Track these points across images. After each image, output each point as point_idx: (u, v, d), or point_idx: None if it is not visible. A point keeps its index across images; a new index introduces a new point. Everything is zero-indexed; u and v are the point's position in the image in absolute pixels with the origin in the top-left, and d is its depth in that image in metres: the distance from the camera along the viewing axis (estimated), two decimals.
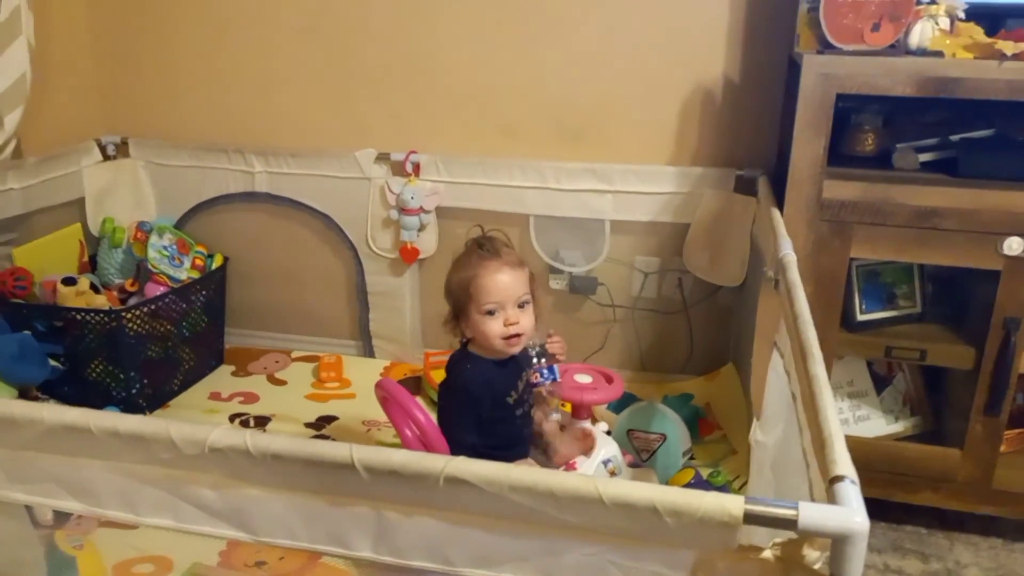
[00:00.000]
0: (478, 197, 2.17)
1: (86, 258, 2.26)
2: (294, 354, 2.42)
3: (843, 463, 0.76)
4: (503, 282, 1.42)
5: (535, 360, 1.54)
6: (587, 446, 1.59)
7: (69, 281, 1.99)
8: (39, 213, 2.13)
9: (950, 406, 1.82)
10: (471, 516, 0.78)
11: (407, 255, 2.24)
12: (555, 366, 1.56)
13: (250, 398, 2.19)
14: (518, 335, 1.44)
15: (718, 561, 0.75)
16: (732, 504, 0.71)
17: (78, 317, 1.93)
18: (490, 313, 1.42)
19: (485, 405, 1.44)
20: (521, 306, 1.44)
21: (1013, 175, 1.57)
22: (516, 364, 1.51)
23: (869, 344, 1.75)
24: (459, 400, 1.46)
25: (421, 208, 2.18)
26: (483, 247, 1.46)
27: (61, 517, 1.39)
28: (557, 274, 2.23)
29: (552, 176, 2.12)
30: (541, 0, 2.06)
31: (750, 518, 0.71)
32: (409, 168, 2.18)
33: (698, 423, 1.99)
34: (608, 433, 1.70)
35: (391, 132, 2.22)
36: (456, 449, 1.40)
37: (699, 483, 1.73)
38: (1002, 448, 1.70)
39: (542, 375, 1.54)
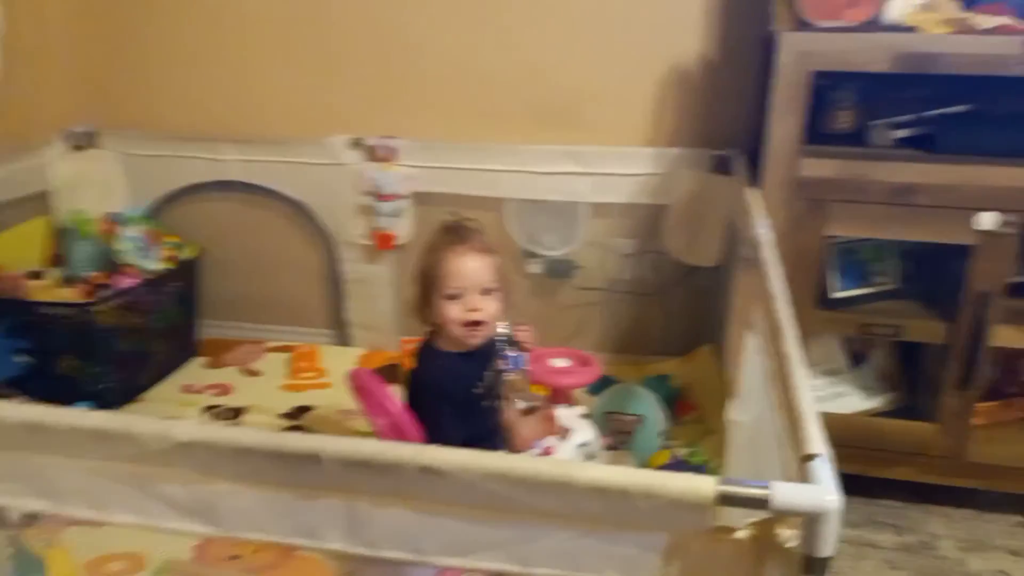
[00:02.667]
0: (454, 182, 2.15)
1: (55, 251, 2.21)
2: (269, 344, 2.39)
3: (815, 441, 0.76)
4: (467, 267, 1.40)
5: (503, 346, 1.53)
6: (551, 429, 1.58)
7: (36, 274, 1.95)
8: (5, 206, 2.08)
9: (925, 381, 1.83)
10: (443, 505, 0.77)
11: (382, 241, 2.21)
12: (522, 354, 1.55)
13: (224, 390, 2.16)
14: (478, 323, 1.41)
15: (692, 542, 0.75)
16: (704, 485, 0.70)
17: (46, 311, 1.90)
18: (452, 298, 1.40)
19: (457, 397, 1.43)
20: (485, 294, 1.42)
21: (989, 150, 1.57)
22: (483, 355, 1.48)
23: (845, 321, 1.76)
24: (432, 398, 1.43)
25: (396, 194, 2.16)
26: (451, 231, 1.45)
27: (30, 516, 1.37)
28: (534, 258, 2.22)
29: (529, 159, 2.10)
30: None
31: (722, 499, 0.70)
32: (384, 153, 2.15)
33: (676, 404, 2.00)
34: (585, 416, 1.69)
35: (365, 117, 2.19)
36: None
37: (677, 464, 1.73)
38: (975, 421, 1.72)
39: (509, 362, 1.53)
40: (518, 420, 1.61)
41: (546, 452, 1.56)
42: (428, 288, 1.43)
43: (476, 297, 1.41)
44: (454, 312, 1.40)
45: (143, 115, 2.32)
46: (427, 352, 1.48)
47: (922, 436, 1.73)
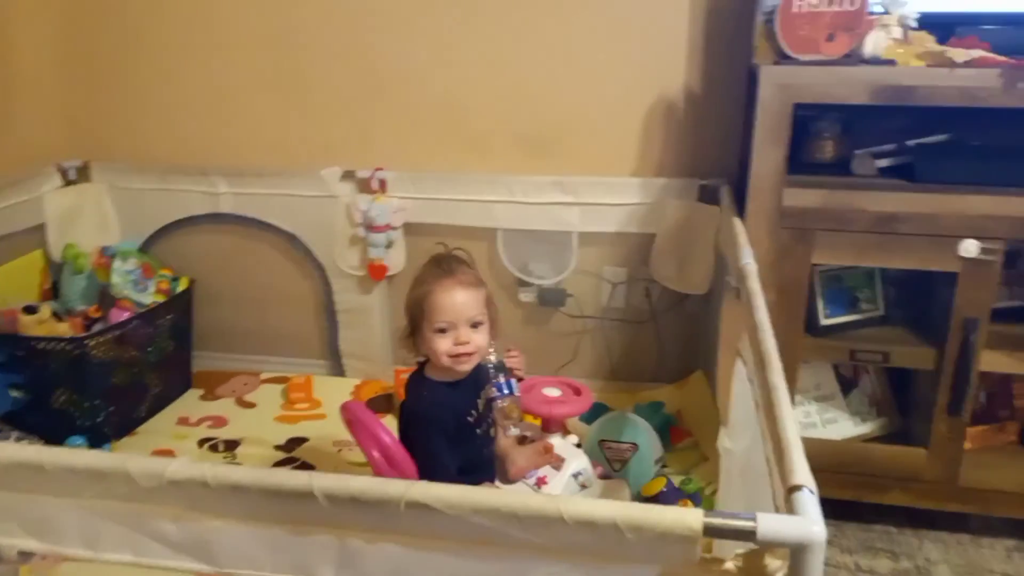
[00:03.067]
0: (445, 212, 2.17)
1: (48, 285, 2.22)
2: (263, 375, 2.40)
3: (800, 472, 0.77)
4: (456, 301, 1.42)
5: (494, 372, 1.54)
6: (547, 460, 1.59)
7: (30, 309, 1.96)
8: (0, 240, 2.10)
9: (915, 406, 1.84)
10: (434, 540, 0.78)
11: (375, 272, 2.23)
12: (513, 380, 1.56)
13: (219, 422, 2.16)
14: (467, 354, 1.43)
15: (682, 574, 0.75)
16: (691, 518, 0.71)
17: (40, 346, 1.90)
18: (441, 331, 1.42)
19: (450, 426, 1.44)
20: (474, 326, 1.44)
21: (968, 179, 1.60)
22: (473, 383, 1.50)
23: (834, 348, 1.77)
24: (426, 429, 1.44)
25: (388, 225, 2.18)
26: (440, 265, 1.46)
27: (26, 553, 1.37)
28: (526, 287, 2.23)
29: (519, 190, 2.13)
30: (504, 16, 2.07)
31: (710, 531, 0.71)
32: (375, 185, 2.18)
33: (670, 431, 2.00)
34: (578, 446, 1.70)
35: (356, 149, 2.22)
36: (441, 477, 1.40)
37: (671, 491, 1.74)
38: (966, 446, 1.73)
39: (499, 390, 1.54)
40: (513, 450, 1.62)
41: (540, 482, 1.56)
42: (418, 320, 1.45)
43: (465, 330, 1.42)
44: (443, 345, 1.42)
45: (134, 149, 2.34)
46: (418, 382, 1.49)
47: (914, 461, 1.74)
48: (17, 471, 0.85)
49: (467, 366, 1.45)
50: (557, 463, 1.59)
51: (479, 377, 1.52)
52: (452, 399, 1.46)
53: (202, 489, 0.80)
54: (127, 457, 0.81)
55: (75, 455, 0.82)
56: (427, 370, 1.50)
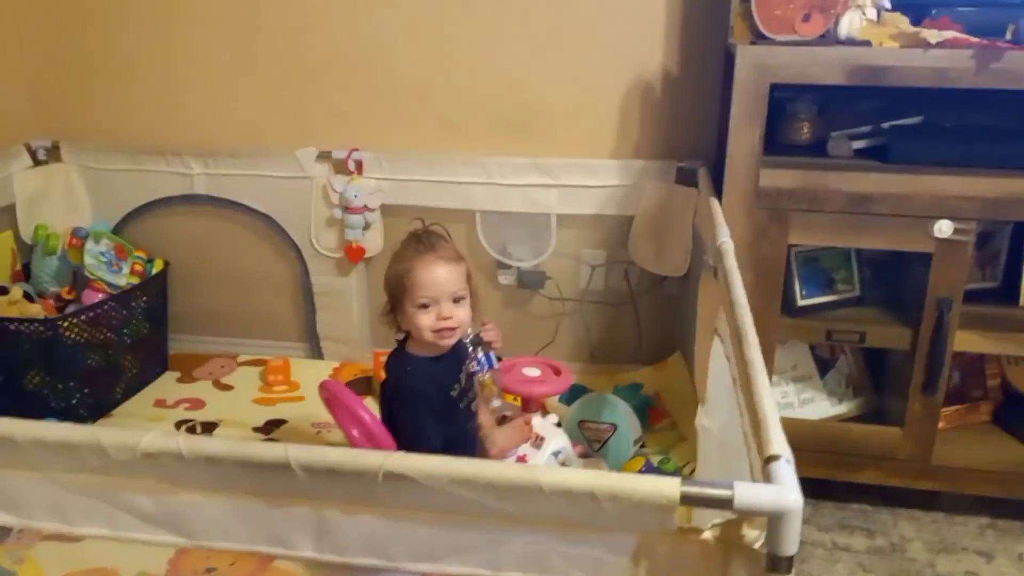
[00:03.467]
0: (423, 194, 2.16)
1: (19, 266, 2.19)
2: (240, 358, 2.38)
3: (777, 442, 0.78)
4: (438, 276, 1.42)
5: (471, 349, 1.54)
6: (527, 437, 1.59)
7: (1, 290, 1.93)
8: None
9: (890, 386, 1.87)
10: (412, 511, 0.78)
11: (352, 254, 2.22)
12: (491, 353, 1.57)
13: (196, 404, 2.15)
14: (451, 328, 1.43)
15: (658, 544, 0.76)
16: (669, 487, 0.72)
17: (11, 327, 1.87)
18: (424, 307, 1.42)
19: (436, 401, 1.44)
20: (456, 301, 1.44)
21: (941, 160, 1.61)
22: (454, 357, 1.51)
23: (810, 328, 1.78)
24: (412, 404, 1.44)
25: (365, 206, 2.16)
26: (420, 240, 1.46)
27: (1, 533, 1.35)
28: (505, 269, 2.23)
29: (497, 171, 2.12)
30: None
31: (687, 499, 0.71)
32: (352, 166, 2.16)
33: (648, 412, 2.02)
34: (558, 425, 1.70)
35: (332, 130, 2.20)
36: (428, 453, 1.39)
37: (650, 470, 1.75)
38: (940, 425, 1.75)
39: (479, 363, 1.54)
40: (493, 430, 1.62)
41: (520, 460, 1.56)
42: (398, 297, 1.45)
43: (448, 305, 1.42)
44: (427, 321, 1.42)
45: (105, 129, 2.31)
46: (400, 359, 1.49)
47: (889, 440, 1.76)
48: None
49: (450, 340, 1.45)
50: (537, 442, 1.59)
51: (459, 352, 1.52)
52: (436, 373, 1.46)
53: (177, 462, 0.78)
54: (100, 430, 0.80)
55: (47, 428, 0.81)
56: (409, 346, 1.50)
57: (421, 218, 1.54)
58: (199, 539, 0.83)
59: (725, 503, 0.71)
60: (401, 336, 1.52)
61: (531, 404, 1.74)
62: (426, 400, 1.43)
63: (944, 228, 1.59)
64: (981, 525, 1.79)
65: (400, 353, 1.50)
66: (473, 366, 1.54)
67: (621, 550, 0.76)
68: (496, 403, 1.61)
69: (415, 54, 2.13)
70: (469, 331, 1.53)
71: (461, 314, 1.44)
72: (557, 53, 2.07)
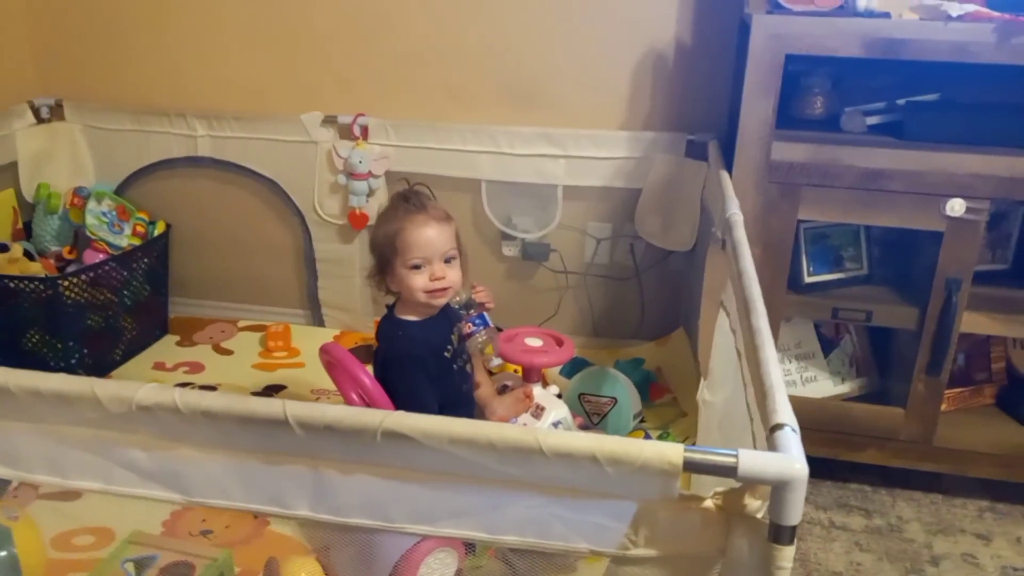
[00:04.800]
0: (428, 162, 2.13)
1: (20, 225, 2.18)
2: (241, 323, 2.38)
3: (783, 412, 0.76)
4: (429, 236, 1.40)
5: (463, 311, 1.53)
6: (527, 407, 1.58)
7: (1, 248, 1.91)
8: None
9: (895, 366, 1.85)
10: (410, 472, 0.77)
11: (356, 221, 2.19)
12: (485, 314, 1.56)
13: (195, 368, 2.14)
14: (443, 289, 1.42)
15: (660, 511, 0.75)
16: (672, 452, 0.70)
17: (11, 285, 1.86)
18: (416, 267, 1.41)
19: (430, 363, 1.43)
20: (448, 261, 1.43)
21: (957, 138, 1.59)
22: (445, 319, 1.50)
23: (816, 306, 1.76)
24: (406, 368, 1.43)
25: (370, 172, 2.14)
26: (409, 201, 1.44)
27: None
28: (510, 240, 2.21)
29: (504, 141, 2.09)
30: None
31: (690, 466, 0.70)
32: (357, 132, 2.13)
33: (649, 387, 2.01)
34: (559, 396, 1.69)
35: (338, 94, 2.17)
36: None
37: None
38: (943, 407, 1.74)
39: (474, 324, 1.53)
40: (493, 400, 1.61)
41: None
42: (389, 258, 1.43)
43: (440, 265, 1.42)
44: (419, 281, 1.41)
45: (109, 89, 2.28)
46: (391, 324, 1.48)
47: (891, 421, 1.75)
48: None
49: (442, 301, 1.45)
50: (537, 412, 1.58)
51: (450, 313, 1.51)
52: (427, 335, 1.45)
53: (172, 416, 0.77)
54: (96, 381, 0.79)
55: (43, 379, 0.80)
56: (398, 311, 1.48)
57: (407, 179, 1.52)
58: (194, 496, 0.82)
59: (729, 470, 0.70)
60: (391, 301, 1.50)
61: (532, 374, 1.73)
62: (419, 363, 1.42)
63: (956, 207, 1.56)
64: (981, 508, 1.78)
65: (390, 318, 1.49)
66: (468, 327, 1.54)
67: (622, 516, 0.75)
68: (495, 362, 1.60)
69: (424, 20, 2.09)
70: (462, 294, 1.52)
71: (453, 274, 1.43)
72: (567, 21, 2.03)
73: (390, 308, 1.51)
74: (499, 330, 1.67)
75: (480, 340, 1.55)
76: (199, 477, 0.82)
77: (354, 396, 1.43)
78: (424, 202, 1.45)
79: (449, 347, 1.48)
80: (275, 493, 0.81)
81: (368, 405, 1.42)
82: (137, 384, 0.78)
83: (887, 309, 1.73)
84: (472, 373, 1.57)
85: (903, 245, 1.78)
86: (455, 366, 1.49)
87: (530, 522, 0.77)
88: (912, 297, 1.72)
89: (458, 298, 1.51)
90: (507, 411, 1.59)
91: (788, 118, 1.71)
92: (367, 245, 2.24)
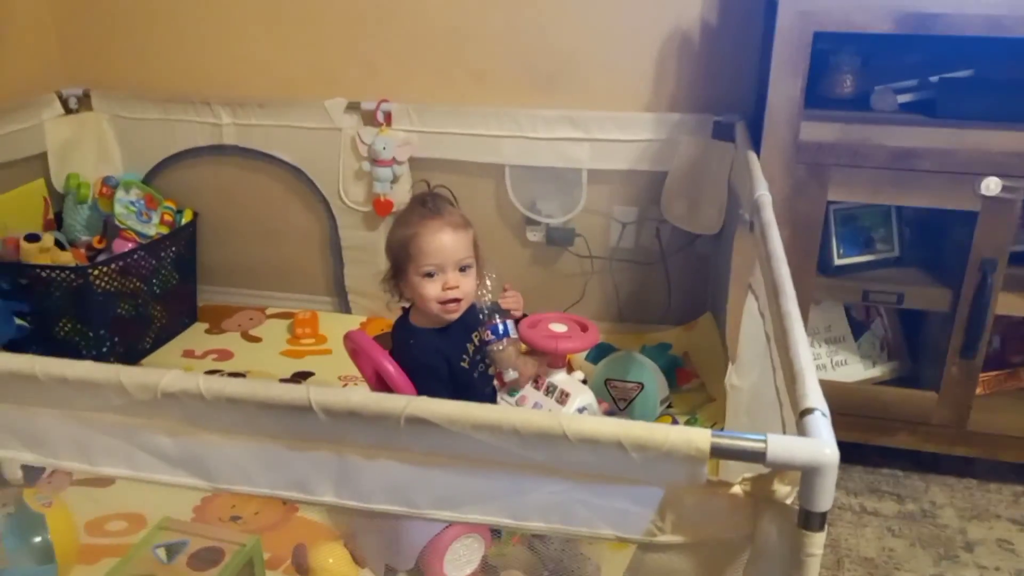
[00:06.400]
0: (452, 147, 2.12)
1: (51, 215, 2.20)
2: (268, 311, 2.39)
3: (813, 396, 0.75)
4: (444, 243, 1.35)
5: (485, 318, 1.46)
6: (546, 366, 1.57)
7: (33, 238, 1.94)
8: (1, 167, 2.07)
9: (927, 349, 1.82)
10: (434, 457, 0.76)
11: (380, 208, 2.19)
12: (509, 322, 1.49)
13: (224, 355, 2.16)
14: (456, 300, 1.37)
15: (686, 497, 0.74)
16: (699, 437, 0.69)
17: (43, 274, 1.89)
18: (429, 275, 1.36)
19: (443, 373, 1.40)
20: (462, 269, 1.38)
21: (991, 115, 1.55)
22: (462, 327, 1.44)
23: (847, 288, 1.74)
24: (418, 376, 1.39)
25: (394, 159, 2.14)
26: (426, 204, 1.39)
27: (31, 475, 1.37)
28: (534, 226, 2.20)
29: (527, 124, 2.08)
30: None
31: (717, 451, 0.69)
32: (380, 117, 2.13)
33: (676, 372, 1.99)
34: (584, 382, 1.68)
35: (361, 80, 2.16)
36: None
37: None
38: (977, 391, 1.71)
39: (495, 333, 1.46)
40: (519, 360, 1.55)
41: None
42: (402, 263, 1.39)
43: (454, 274, 1.37)
44: (431, 290, 1.37)
45: (135, 78, 2.30)
46: (404, 331, 1.45)
47: (923, 405, 1.72)
48: (11, 382, 0.83)
49: (455, 315, 1.39)
50: (563, 398, 1.57)
51: (468, 320, 1.45)
52: (441, 346, 1.41)
53: (197, 402, 0.78)
54: (120, 368, 0.79)
55: (69, 366, 0.81)
56: (412, 316, 1.44)
57: (426, 180, 1.49)
58: (219, 482, 0.83)
59: (758, 456, 0.68)
60: (406, 305, 1.47)
61: (557, 360, 1.72)
62: (432, 372, 1.39)
63: (992, 186, 1.52)
64: (1016, 493, 1.75)
65: (404, 324, 1.45)
66: (488, 335, 1.46)
67: (647, 502, 0.74)
68: (511, 375, 1.55)
69: (446, 3, 2.08)
70: (488, 298, 1.46)
71: (467, 284, 1.38)
72: (591, 2, 2.01)
73: (405, 312, 1.47)
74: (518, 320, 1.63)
75: (500, 351, 1.48)
76: (224, 463, 0.82)
77: (378, 384, 1.43)
78: (441, 206, 1.39)
79: (465, 356, 1.43)
80: (300, 479, 0.81)
81: (391, 391, 1.42)
82: (162, 371, 0.78)
83: (919, 291, 1.70)
84: (493, 376, 1.53)
85: (935, 226, 1.75)
86: (475, 374, 1.45)
87: (555, 508, 0.77)
88: (945, 279, 1.68)
89: (483, 302, 1.45)
90: (529, 368, 1.55)
91: (817, 97, 1.68)
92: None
